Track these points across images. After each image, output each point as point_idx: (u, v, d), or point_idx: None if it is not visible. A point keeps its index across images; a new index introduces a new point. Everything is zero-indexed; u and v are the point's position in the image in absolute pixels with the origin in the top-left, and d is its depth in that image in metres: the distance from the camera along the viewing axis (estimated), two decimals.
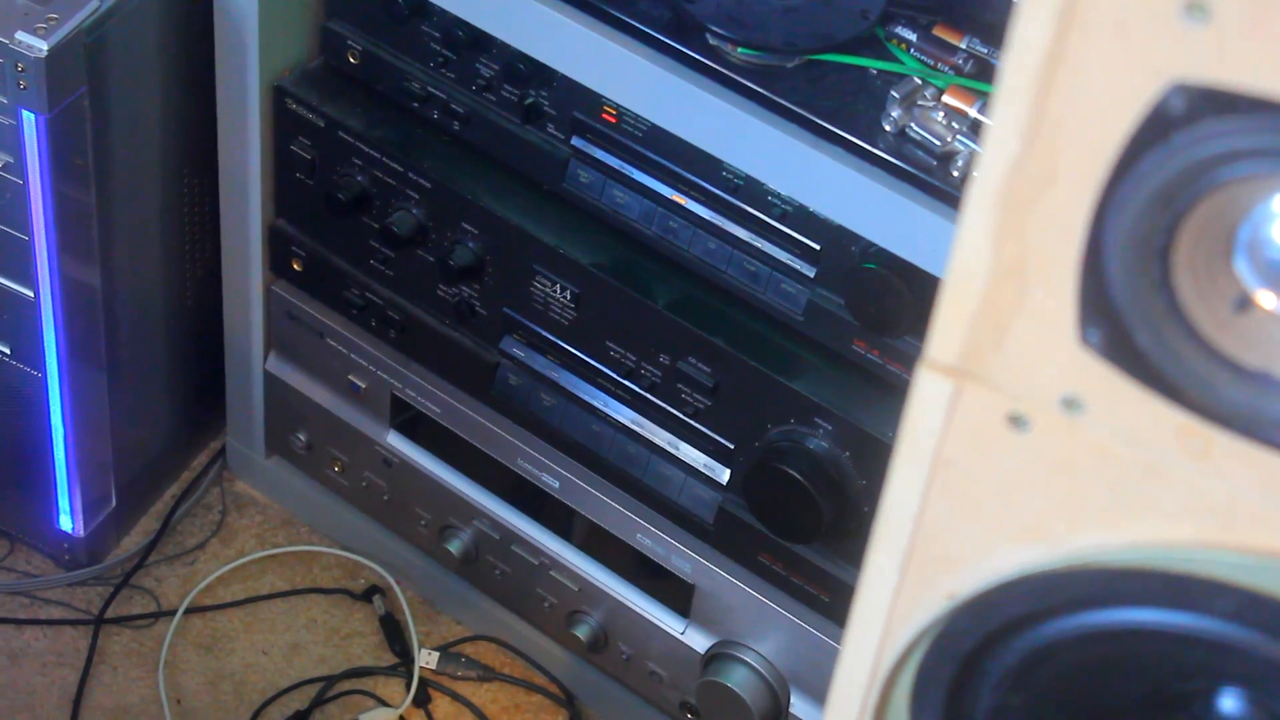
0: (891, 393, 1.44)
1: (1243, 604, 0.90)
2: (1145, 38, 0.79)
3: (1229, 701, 0.98)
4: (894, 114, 1.35)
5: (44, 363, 1.68)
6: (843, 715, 1.05)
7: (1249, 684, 0.97)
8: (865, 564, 1.01)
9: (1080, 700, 1.00)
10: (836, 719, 1.06)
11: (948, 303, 0.90)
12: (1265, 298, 0.86)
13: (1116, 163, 0.83)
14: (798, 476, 1.48)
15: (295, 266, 1.74)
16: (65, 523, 1.82)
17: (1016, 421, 0.92)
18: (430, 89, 1.58)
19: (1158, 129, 0.81)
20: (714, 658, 1.65)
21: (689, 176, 1.49)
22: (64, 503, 1.80)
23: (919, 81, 1.36)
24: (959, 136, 1.33)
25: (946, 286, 0.90)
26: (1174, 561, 0.91)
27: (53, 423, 1.73)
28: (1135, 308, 0.86)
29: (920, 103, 1.36)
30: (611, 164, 1.52)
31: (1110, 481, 0.91)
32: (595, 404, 1.62)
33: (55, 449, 1.75)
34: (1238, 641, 0.91)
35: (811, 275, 1.46)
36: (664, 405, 1.57)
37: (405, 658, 1.82)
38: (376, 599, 1.86)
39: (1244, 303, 0.86)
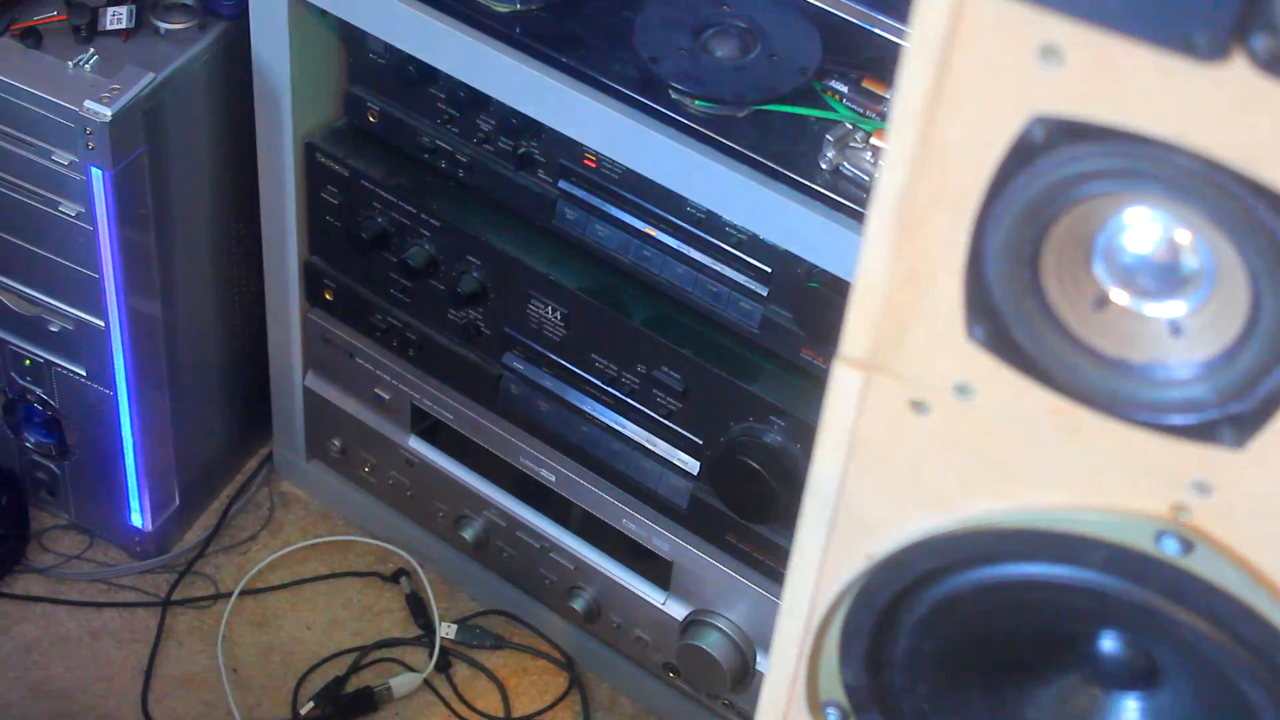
0: None
1: (1111, 556, 0.91)
2: (1009, 78, 0.81)
3: (1108, 642, 0.99)
4: (829, 155, 1.35)
5: (114, 383, 1.69)
6: (783, 660, 1.06)
7: (1123, 625, 0.97)
8: (797, 531, 1.02)
9: (982, 643, 1.00)
10: (778, 663, 1.06)
11: (856, 306, 0.92)
12: (1119, 296, 0.86)
13: (990, 184, 0.84)
14: (757, 466, 1.49)
15: (327, 296, 1.75)
16: (136, 519, 1.83)
17: (918, 406, 0.93)
18: (438, 142, 1.59)
19: (1023, 156, 0.82)
20: (691, 624, 1.66)
21: (658, 212, 1.50)
22: (135, 502, 1.81)
23: (850, 127, 1.36)
24: None
25: (854, 292, 0.91)
26: (1053, 522, 0.92)
27: (123, 434, 1.74)
28: (1012, 307, 0.87)
29: (852, 145, 1.36)
30: (593, 203, 1.54)
31: (998, 455, 0.92)
32: (584, 408, 1.63)
33: (126, 457, 1.76)
34: (1110, 588, 0.92)
35: (764, 294, 1.47)
36: (642, 408, 1.58)
37: (428, 630, 1.83)
38: (403, 580, 1.86)
39: (1102, 301, 0.87)
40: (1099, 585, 0.92)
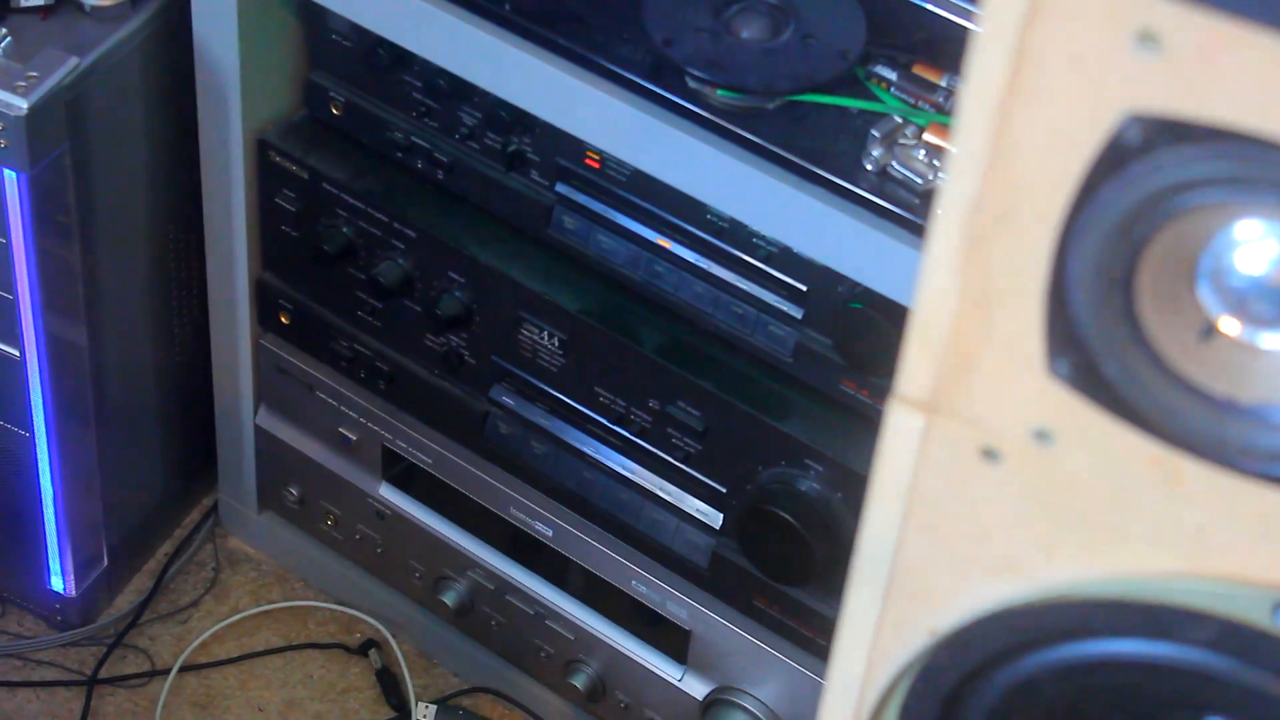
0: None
1: (1220, 632, 0.91)
2: (1099, 70, 0.81)
3: None
4: (875, 153, 1.36)
5: (31, 422, 1.69)
6: None
7: (1231, 712, 0.97)
8: (845, 601, 1.02)
9: None
10: None
11: (916, 337, 0.92)
12: (1229, 324, 0.87)
13: (1076, 194, 0.84)
14: (790, 519, 1.49)
15: (283, 319, 1.76)
16: (56, 583, 1.82)
17: (988, 454, 0.93)
18: (414, 138, 1.60)
19: (1115, 160, 0.83)
20: (712, 704, 1.66)
21: (673, 220, 1.50)
22: (54, 563, 1.81)
23: (899, 120, 1.37)
24: (941, 174, 1.34)
25: (914, 321, 0.91)
26: (1150, 591, 0.92)
27: (41, 483, 1.73)
28: (1101, 338, 0.87)
29: (901, 141, 1.36)
30: (596, 209, 1.54)
31: (1083, 513, 0.92)
32: (586, 451, 1.63)
33: (44, 509, 1.76)
34: (1217, 670, 0.92)
35: (799, 316, 1.47)
36: (655, 450, 1.59)
37: (403, 711, 1.83)
38: (372, 653, 1.87)
39: (1208, 330, 0.87)
40: (1205, 666, 0.92)
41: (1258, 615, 0.89)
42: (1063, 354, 0.89)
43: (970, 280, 0.89)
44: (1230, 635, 0.91)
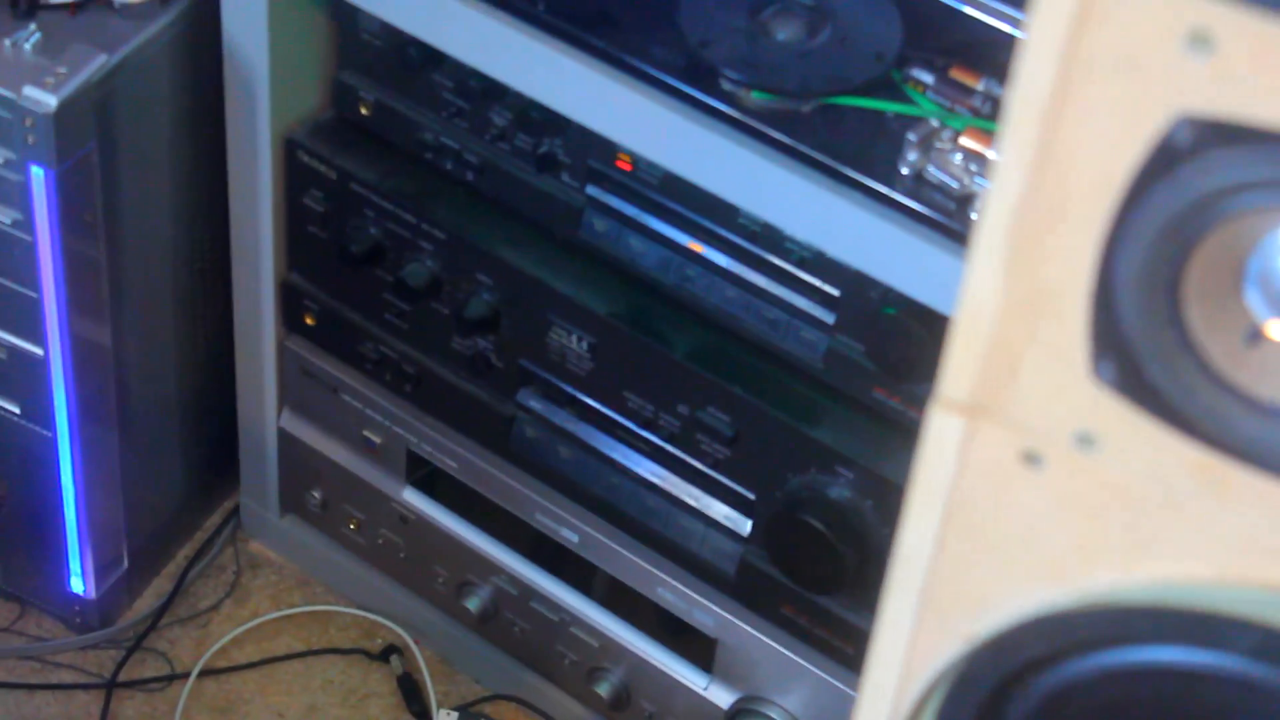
0: (914, 440, 1.45)
1: (1264, 641, 0.91)
2: (1150, 71, 0.81)
3: None
4: (911, 157, 1.36)
5: (54, 422, 1.70)
6: None
7: None
8: (881, 606, 1.02)
9: None
10: None
11: (959, 339, 0.92)
12: (1276, 329, 0.87)
13: (1124, 196, 0.84)
14: (820, 527, 1.49)
15: (308, 321, 1.76)
16: (76, 585, 1.83)
17: (1031, 459, 0.93)
18: (443, 139, 1.60)
19: (1164, 162, 0.83)
20: (738, 714, 1.66)
21: (705, 224, 1.50)
22: (75, 564, 1.81)
23: (936, 124, 1.37)
24: (977, 178, 1.34)
25: (958, 323, 0.92)
26: (1193, 599, 0.92)
27: (63, 483, 1.74)
28: (1147, 341, 0.88)
29: (938, 145, 1.36)
30: (627, 212, 1.54)
31: (1127, 518, 0.92)
32: (614, 456, 1.64)
33: (66, 510, 1.76)
34: (1261, 679, 0.92)
35: (831, 322, 1.47)
36: (683, 456, 1.59)
37: (424, 718, 1.83)
38: (394, 659, 1.87)
39: (1255, 335, 0.87)
40: (1249, 675, 0.92)
41: None
42: (1108, 358, 0.89)
43: (1015, 282, 0.89)
44: (1274, 644, 0.90)
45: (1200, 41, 0.79)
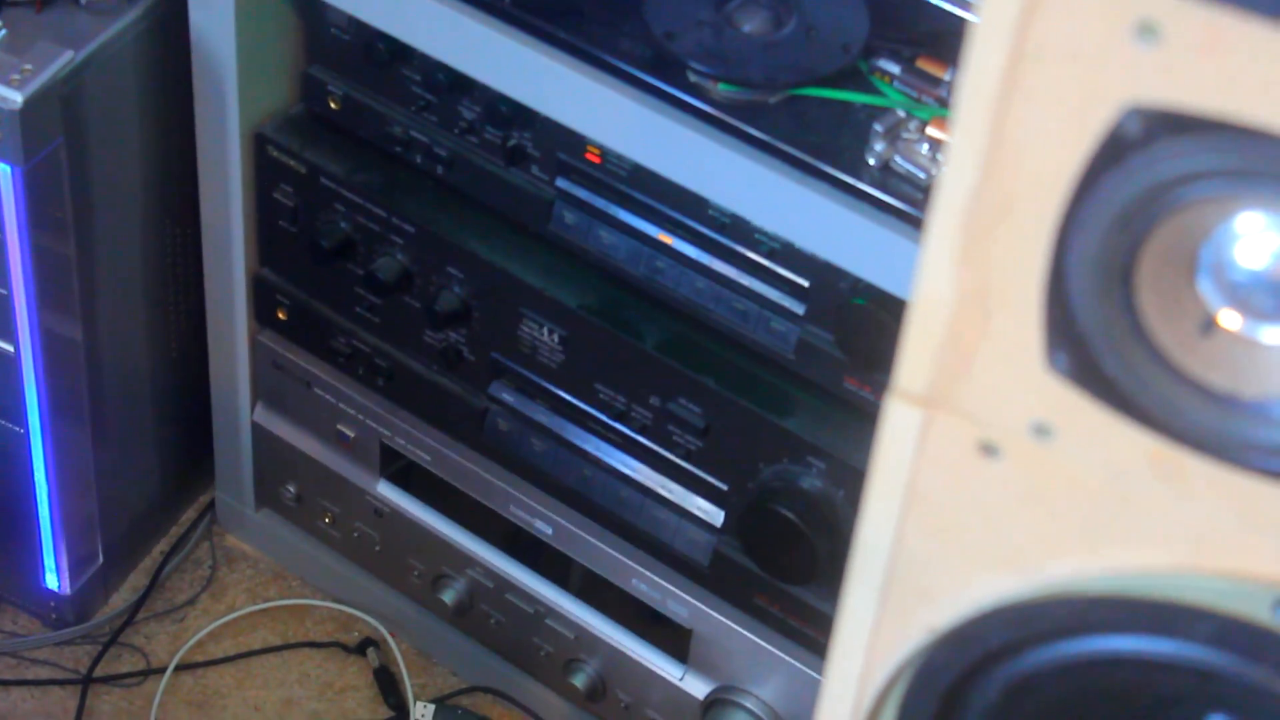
0: None
1: (1221, 629, 0.91)
2: (1098, 62, 0.81)
3: None
4: (878, 147, 1.36)
5: (25, 418, 1.69)
6: None
7: (1233, 709, 0.98)
8: (843, 598, 1.02)
9: None
10: None
11: (914, 331, 0.92)
12: (1229, 318, 0.87)
13: (1075, 187, 0.84)
14: (792, 517, 1.49)
15: (280, 315, 1.76)
16: (51, 581, 1.83)
17: (988, 450, 0.93)
18: (412, 133, 1.60)
19: (1114, 152, 0.83)
20: (713, 704, 1.66)
21: (675, 215, 1.50)
22: (49, 560, 1.81)
23: (903, 114, 1.37)
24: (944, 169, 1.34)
25: (912, 315, 0.92)
26: (1151, 588, 0.92)
27: (36, 479, 1.74)
28: (1100, 332, 0.88)
29: (904, 135, 1.36)
30: (597, 205, 1.54)
31: (1084, 508, 0.92)
32: (586, 448, 1.64)
33: (39, 506, 1.76)
34: (1219, 666, 0.92)
35: (801, 312, 1.47)
36: (655, 447, 1.59)
37: (401, 711, 1.83)
38: (370, 652, 1.87)
39: (1209, 324, 0.87)
40: (1206, 663, 0.92)
41: (1259, 611, 0.90)
42: (1062, 348, 0.89)
43: (969, 274, 0.89)
44: (1231, 632, 0.91)
45: (1148, 31, 0.79)
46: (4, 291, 1.61)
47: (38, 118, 1.51)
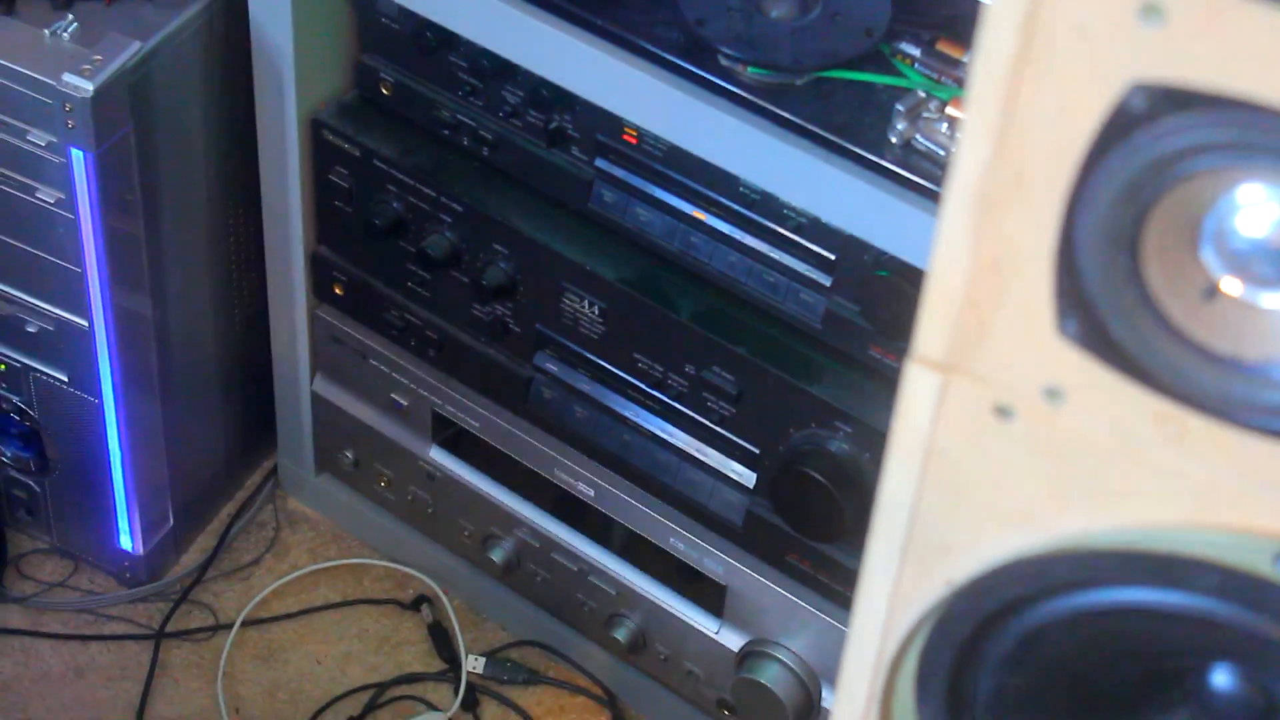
0: None
1: (1225, 580, 0.91)
2: (1105, 40, 0.81)
3: (1220, 676, 0.99)
4: (900, 126, 1.36)
5: (100, 389, 1.70)
6: (851, 699, 1.06)
7: (1237, 658, 0.97)
8: (866, 554, 1.02)
9: (1076, 680, 1.00)
10: (845, 703, 1.07)
11: (932, 299, 0.92)
12: (1231, 285, 0.86)
13: (1083, 161, 0.84)
14: (820, 478, 1.49)
15: (337, 291, 1.76)
16: (125, 542, 1.84)
17: (1002, 412, 0.93)
18: (460, 117, 1.60)
19: (1121, 128, 0.82)
20: (748, 655, 1.66)
21: (708, 193, 1.50)
22: (124, 523, 1.82)
23: (923, 95, 1.37)
24: None
25: (930, 284, 0.91)
26: (1157, 542, 0.92)
27: (110, 447, 1.75)
28: (1108, 299, 0.87)
29: (925, 115, 1.36)
30: (634, 183, 1.54)
31: (1093, 467, 0.92)
32: (626, 414, 1.63)
33: (113, 472, 1.77)
34: (1222, 616, 0.92)
35: (828, 284, 1.47)
36: (691, 413, 1.59)
37: (453, 664, 1.84)
38: (424, 608, 1.87)
39: (1211, 291, 0.87)
40: (1210, 613, 0.92)
41: (1260, 564, 0.89)
42: (1072, 315, 0.88)
43: (983, 244, 0.89)
44: (1234, 583, 0.90)
45: (1152, 11, 0.79)
46: (78, 269, 1.62)
47: (108, 106, 1.52)
